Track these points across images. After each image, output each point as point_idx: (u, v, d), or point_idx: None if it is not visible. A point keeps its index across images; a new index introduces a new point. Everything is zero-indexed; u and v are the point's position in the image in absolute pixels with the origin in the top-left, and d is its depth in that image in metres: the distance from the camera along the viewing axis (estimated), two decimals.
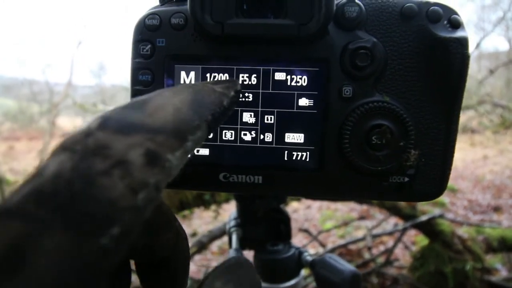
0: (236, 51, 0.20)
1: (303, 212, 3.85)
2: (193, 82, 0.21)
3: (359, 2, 0.19)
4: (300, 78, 0.20)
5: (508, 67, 6.16)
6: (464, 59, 0.19)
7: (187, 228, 3.25)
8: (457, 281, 1.55)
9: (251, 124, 0.20)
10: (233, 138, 0.20)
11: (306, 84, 0.20)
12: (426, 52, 0.20)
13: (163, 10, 0.21)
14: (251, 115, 0.20)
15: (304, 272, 0.52)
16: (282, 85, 0.20)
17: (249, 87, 0.20)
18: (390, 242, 2.43)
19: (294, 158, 0.20)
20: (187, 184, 0.21)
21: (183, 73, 0.21)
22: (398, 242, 1.65)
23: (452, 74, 0.20)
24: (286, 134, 0.20)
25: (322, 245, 1.66)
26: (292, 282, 0.48)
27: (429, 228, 1.63)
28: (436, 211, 1.69)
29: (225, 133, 0.20)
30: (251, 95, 0.20)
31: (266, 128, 0.20)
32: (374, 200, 0.24)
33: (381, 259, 1.75)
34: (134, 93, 0.21)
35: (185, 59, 0.20)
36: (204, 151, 0.21)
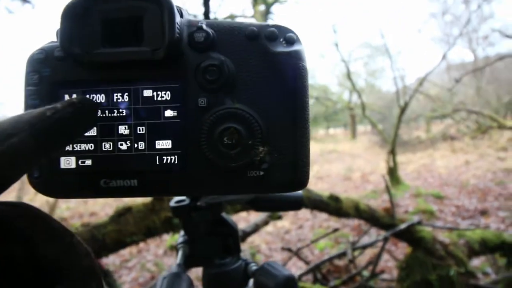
0: (109, 74, 0.24)
1: (295, 232, 3.79)
2: None
3: (207, 29, 0.24)
4: (164, 94, 0.23)
5: (476, 75, 6.57)
6: (296, 68, 0.24)
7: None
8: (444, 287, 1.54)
9: (126, 135, 0.23)
10: (111, 148, 0.23)
11: (170, 98, 0.23)
12: (269, 65, 0.24)
13: (49, 45, 0.24)
14: (125, 127, 0.23)
15: None
16: (150, 100, 0.23)
17: (123, 104, 0.24)
18: (384, 255, 2.39)
19: (164, 161, 0.23)
20: (74, 192, 0.24)
21: (66, 96, 0.24)
22: (382, 251, 1.65)
23: (290, 80, 0.24)
24: (156, 142, 0.23)
25: (306, 262, 1.64)
26: None
27: (409, 236, 1.64)
28: (415, 218, 1.71)
29: (105, 144, 0.23)
30: (124, 111, 0.24)
31: (139, 137, 0.23)
32: (237, 193, 0.26)
33: (368, 272, 1.73)
34: None
35: (67, 84, 0.24)
36: (88, 162, 0.23)
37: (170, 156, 0.23)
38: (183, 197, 0.48)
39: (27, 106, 0.24)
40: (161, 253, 3.27)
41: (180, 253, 0.50)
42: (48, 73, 0.24)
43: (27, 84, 0.24)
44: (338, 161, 8.18)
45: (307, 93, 0.24)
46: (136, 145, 0.23)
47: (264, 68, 0.24)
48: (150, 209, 0.95)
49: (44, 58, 0.24)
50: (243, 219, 3.39)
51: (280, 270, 0.44)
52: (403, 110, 4.59)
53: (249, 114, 0.23)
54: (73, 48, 0.22)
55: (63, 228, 0.17)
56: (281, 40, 0.24)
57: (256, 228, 1.54)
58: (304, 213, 4.13)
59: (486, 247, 1.72)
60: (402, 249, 2.74)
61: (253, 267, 0.50)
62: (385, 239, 1.61)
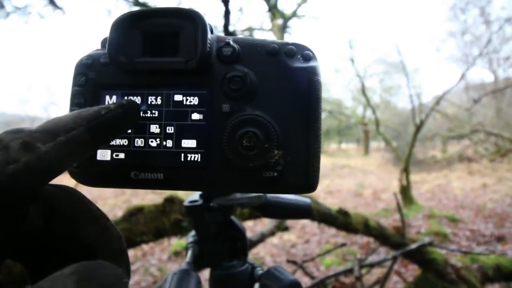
0: (146, 80, 0.27)
1: (302, 246, 3.72)
2: None
3: (234, 44, 0.27)
4: (193, 99, 0.26)
5: (496, 97, 6.40)
6: (312, 81, 0.26)
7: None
8: None
9: (157, 134, 0.26)
10: (143, 145, 0.26)
11: (197, 103, 0.26)
12: (287, 78, 0.26)
13: (95, 52, 0.28)
14: (156, 126, 0.26)
15: None
16: (180, 104, 0.26)
17: (155, 106, 0.27)
18: (393, 277, 2.29)
19: (188, 159, 0.26)
20: (107, 182, 0.27)
21: (107, 97, 0.27)
22: (391, 271, 1.60)
23: (305, 93, 0.26)
24: (183, 141, 0.26)
25: (311, 276, 1.61)
26: None
27: (420, 257, 1.59)
28: (426, 239, 1.66)
29: (137, 140, 0.26)
30: (156, 112, 0.27)
31: (168, 136, 0.26)
32: (253, 191, 0.29)
33: None
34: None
35: (109, 86, 0.27)
36: (121, 155, 0.26)
37: (194, 154, 0.26)
38: (197, 198, 0.51)
39: (73, 104, 0.27)
40: (165, 258, 3.28)
41: (190, 252, 0.52)
42: (93, 76, 0.27)
43: (74, 84, 0.28)
44: (349, 176, 8.04)
45: (320, 105, 0.27)
46: (164, 143, 0.26)
47: (282, 81, 0.26)
48: (161, 211, 0.98)
49: (91, 63, 0.27)
50: (249, 229, 3.36)
51: (286, 274, 0.45)
52: (418, 128, 4.51)
53: (267, 120, 0.25)
54: (119, 56, 0.25)
55: (100, 212, 0.20)
56: (299, 56, 0.27)
57: (262, 238, 1.54)
58: (311, 227, 4.06)
59: (500, 274, 1.64)
60: (412, 272, 2.63)
61: (259, 271, 0.52)
62: (394, 258, 1.57)
